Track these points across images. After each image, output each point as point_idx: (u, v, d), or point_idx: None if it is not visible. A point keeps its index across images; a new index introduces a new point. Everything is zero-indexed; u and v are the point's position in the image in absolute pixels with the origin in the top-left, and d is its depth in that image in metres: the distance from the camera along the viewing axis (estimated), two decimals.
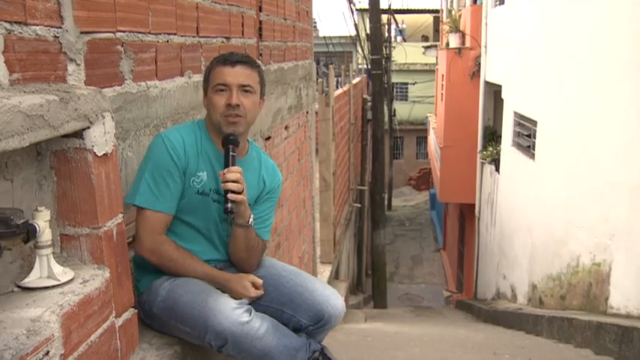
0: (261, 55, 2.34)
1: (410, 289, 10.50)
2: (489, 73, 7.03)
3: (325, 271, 5.20)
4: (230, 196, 1.18)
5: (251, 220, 1.27)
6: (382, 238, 8.41)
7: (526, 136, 5.30)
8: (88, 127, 0.92)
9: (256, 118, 1.34)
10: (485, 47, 7.11)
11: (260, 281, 1.30)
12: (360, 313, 5.72)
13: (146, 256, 1.23)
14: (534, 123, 4.92)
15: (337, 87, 7.71)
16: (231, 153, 1.23)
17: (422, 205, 16.57)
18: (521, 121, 5.52)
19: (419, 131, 17.97)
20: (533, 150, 4.94)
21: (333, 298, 1.32)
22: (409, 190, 18.51)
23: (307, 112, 3.58)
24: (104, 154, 0.96)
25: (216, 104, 1.26)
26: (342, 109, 6.82)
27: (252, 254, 1.33)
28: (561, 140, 4.19)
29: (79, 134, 0.92)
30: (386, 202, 11.53)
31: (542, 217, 4.58)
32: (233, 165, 1.22)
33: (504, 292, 5.85)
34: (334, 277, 5.73)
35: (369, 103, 8.73)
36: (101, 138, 0.95)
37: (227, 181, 1.19)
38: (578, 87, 3.89)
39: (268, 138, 2.46)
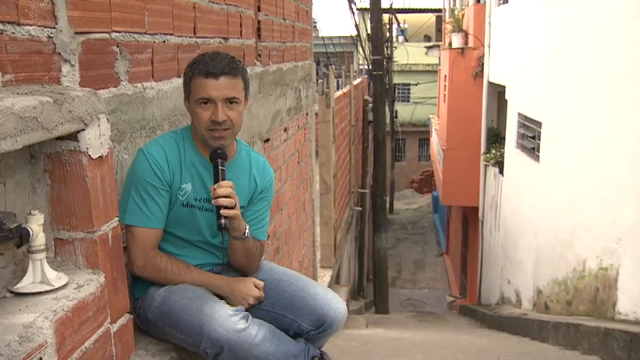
0: (259, 55, 2.34)
1: (412, 294, 10.48)
2: (493, 73, 7.04)
3: (326, 275, 5.19)
4: (223, 212, 1.18)
5: (247, 231, 1.27)
6: (384, 242, 8.40)
7: (530, 137, 5.30)
8: (83, 130, 0.92)
9: (242, 123, 1.32)
10: (489, 47, 7.12)
11: (261, 283, 1.31)
12: (361, 319, 5.70)
13: (139, 273, 1.23)
14: (539, 124, 4.92)
15: (337, 88, 7.72)
16: (220, 167, 1.22)
17: (424, 209, 16.56)
18: (525, 123, 5.52)
19: (421, 133, 18.00)
20: (538, 152, 4.94)
21: (335, 302, 1.32)
22: (411, 192, 18.51)
23: (307, 114, 3.58)
24: (99, 156, 0.96)
25: (201, 118, 1.23)
26: (343, 110, 6.83)
27: (251, 259, 1.34)
28: (566, 142, 4.19)
29: (73, 136, 0.92)
30: (387, 205, 11.53)
31: (547, 220, 4.58)
32: (223, 179, 1.21)
33: (509, 297, 5.84)
34: (335, 282, 5.72)
35: (370, 105, 8.74)
36: (96, 140, 0.95)
37: (218, 197, 1.18)
38: (584, 87, 3.90)
39: (267, 140, 2.46)
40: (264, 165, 1.41)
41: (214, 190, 1.19)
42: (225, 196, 1.18)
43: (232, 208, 1.20)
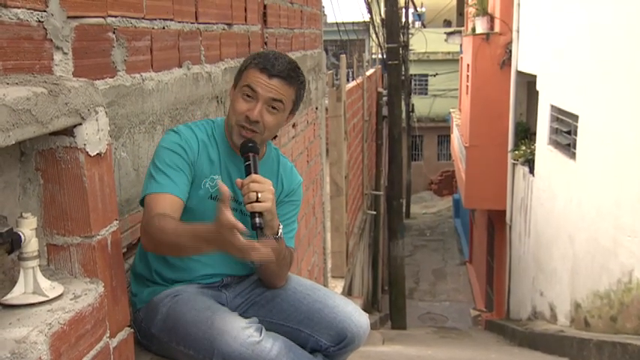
0: (266, 43, 2.34)
1: (432, 308, 10.43)
2: (522, 61, 6.98)
3: (337, 286, 5.19)
4: (256, 205, 1.15)
5: (280, 230, 1.26)
6: (400, 250, 8.36)
7: (565, 132, 5.25)
8: (80, 124, 0.92)
9: (275, 133, 1.33)
10: (518, 32, 7.07)
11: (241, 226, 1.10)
12: (376, 334, 5.68)
13: (144, 243, 1.17)
14: (575, 118, 4.87)
15: (349, 80, 7.71)
16: (251, 162, 1.23)
17: (444, 213, 16.49)
18: (559, 116, 5.46)
19: (440, 129, 17.91)
20: (574, 149, 4.89)
21: (357, 315, 1.31)
22: (430, 195, 18.44)
23: (317, 108, 3.58)
24: (97, 153, 0.96)
25: (237, 108, 1.26)
26: (355, 104, 6.82)
27: (282, 265, 1.33)
28: (608, 137, 4.14)
29: (69, 131, 0.92)
30: (404, 209, 11.49)
31: (585, 225, 4.52)
32: (256, 173, 1.21)
33: (542, 311, 5.78)
34: (347, 293, 5.70)
35: (385, 98, 8.72)
36: (94, 136, 0.95)
37: (251, 192, 1.16)
38: (629, 75, 3.84)
39: (274, 137, 2.46)
40: (291, 169, 1.43)
41: (247, 185, 1.17)
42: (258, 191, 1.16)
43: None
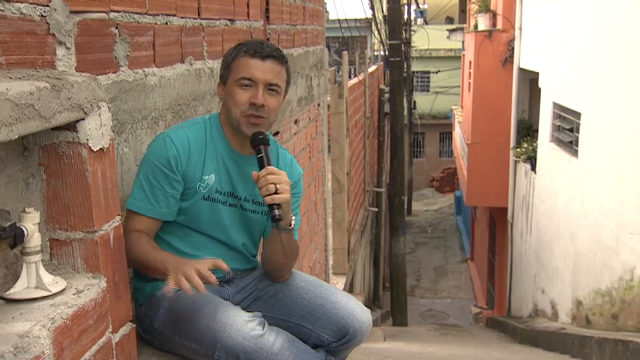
0: (268, 39, 2.34)
1: (433, 305, 10.45)
2: (524, 58, 6.95)
3: (338, 283, 5.19)
4: (276, 197, 1.17)
5: (293, 221, 1.27)
6: (402, 247, 8.37)
7: (568, 130, 5.24)
8: (83, 119, 0.92)
9: (277, 116, 1.35)
10: (520, 29, 7.04)
11: (216, 261, 1.13)
12: (378, 331, 5.69)
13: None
14: (578, 115, 4.85)
15: (351, 76, 7.69)
16: (263, 154, 1.24)
17: (446, 210, 16.49)
18: (561, 114, 5.45)
19: (442, 126, 17.90)
20: (576, 146, 4.87)
21: (359, 311, 1.31)
22: (431, 192, 18.44)
23: (319, 105, 3.58)
24: (100, 149, 0.96)
25: (239, 100, 1.25)
26: (357, 101, 6.81)
27: (290, 258, 1.34)
28: (611, 134, 4.12)
29: (72, 126, 0.91)
30: (405, 206, 11.49)
31: (587, 223, 4.51)
32: (269, 164, 1.23)
33: (543, 308, 5.78)
34: (348, 290, 5.71)
35: (387, 95, 8.71)
36: (97, 131, 0.95)
37: (269, 184, 1.18)
38: (632, 72, 3.82)
39: (276, 133, 2.46)
40: (291, 161, 1.44)
41: (264, 177, 1.18)
42: (274, 183, 1.18)
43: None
